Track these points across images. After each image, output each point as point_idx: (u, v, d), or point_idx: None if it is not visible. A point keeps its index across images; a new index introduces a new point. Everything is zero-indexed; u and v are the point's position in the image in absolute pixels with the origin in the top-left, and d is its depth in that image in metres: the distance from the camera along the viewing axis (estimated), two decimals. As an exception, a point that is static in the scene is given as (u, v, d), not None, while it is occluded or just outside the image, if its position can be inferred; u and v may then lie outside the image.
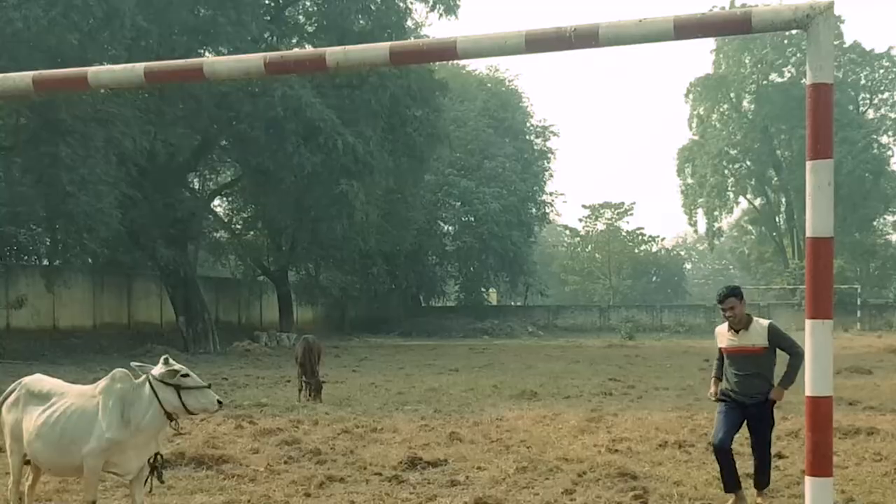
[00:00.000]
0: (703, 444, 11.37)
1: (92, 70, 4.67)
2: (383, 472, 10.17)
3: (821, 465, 3.86)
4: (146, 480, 6.95)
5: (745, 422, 8.62)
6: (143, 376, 6.79)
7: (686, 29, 3.86)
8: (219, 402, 6.76)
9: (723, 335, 8.72)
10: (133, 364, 7.12)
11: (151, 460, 6.92)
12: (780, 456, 10.79)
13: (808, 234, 3.79)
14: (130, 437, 6.72)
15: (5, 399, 7.33)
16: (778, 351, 8.55)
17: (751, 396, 8.48)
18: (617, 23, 3.93)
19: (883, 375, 22.61)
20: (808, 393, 3.84)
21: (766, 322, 8.57)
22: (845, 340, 39.27)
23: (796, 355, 8.19)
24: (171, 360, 6.80)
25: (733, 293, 8.47)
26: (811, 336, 3.83)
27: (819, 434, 3.86)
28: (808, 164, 3.76)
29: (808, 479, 3.87)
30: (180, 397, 6.67)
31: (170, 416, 6.75)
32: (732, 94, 70.77)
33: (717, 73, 70.69)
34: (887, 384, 20.33)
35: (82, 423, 6.80)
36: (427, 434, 13.01)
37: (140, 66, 4.54)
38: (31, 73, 4.66)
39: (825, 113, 3.74)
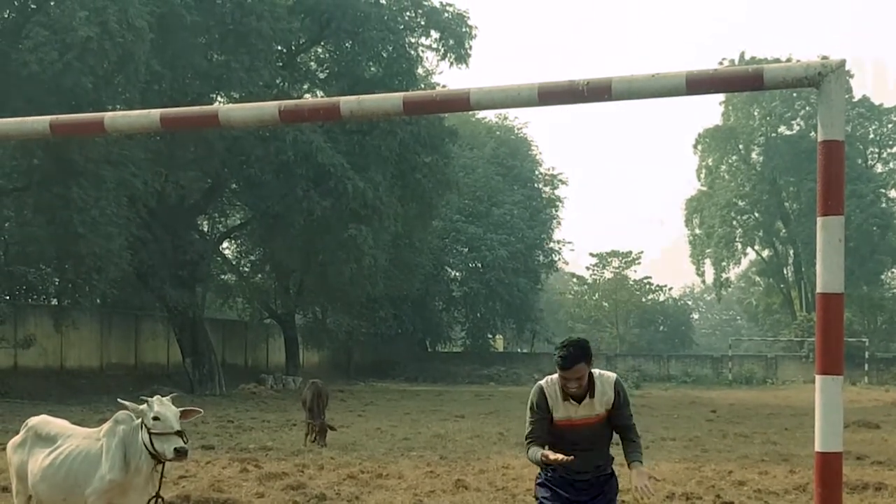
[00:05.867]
0: (710, 496, 11.28)
1: (109, 115, 4.73)
2: (388, 520, 10.11)
3: (830, 521, 3.83)
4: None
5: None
6: (140, 418, 6.78)
7: (698, 84, 3.90)
8: (176, 450, 6.55)
9: (556, 402, 6.11)
10: (119, 400, 7.11)
11: (152, 503, 6.88)
12: (788, 510, 10.71)
13: (819, 289, 3.79)
14: (132, 478, 6.73)
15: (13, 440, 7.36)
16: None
17: (587, 472, 6.34)
18: (630, 77, 3.97)
19: (890, 430, 22.44)
20: (817, 448, 3.83)
21: (611, 378, 6.15)
22: (853, 394, 39.00)
23: (637, 435, 6.33)
24: (151, 402, 6.71)
25: (583, 355, 5.84)
26: (821, 391, 3.82)
27: (828, 490, 3.84)
28: (819, 220, 3.77)
29: (817, 536, 3.85)
30: (151, 439, 6.65)
31: (156, 458, 6.71)
32: (741, 146, 70.92)
33: (726, 125, 70.86)
34: (895, 439, 20.18)
35: (86, 465, 6.83)
36: (433, 481, 12.94)
37: (156, 112, 4.59)
38: (48, 118, 4.71)
39: (836, 170, 3.76)
